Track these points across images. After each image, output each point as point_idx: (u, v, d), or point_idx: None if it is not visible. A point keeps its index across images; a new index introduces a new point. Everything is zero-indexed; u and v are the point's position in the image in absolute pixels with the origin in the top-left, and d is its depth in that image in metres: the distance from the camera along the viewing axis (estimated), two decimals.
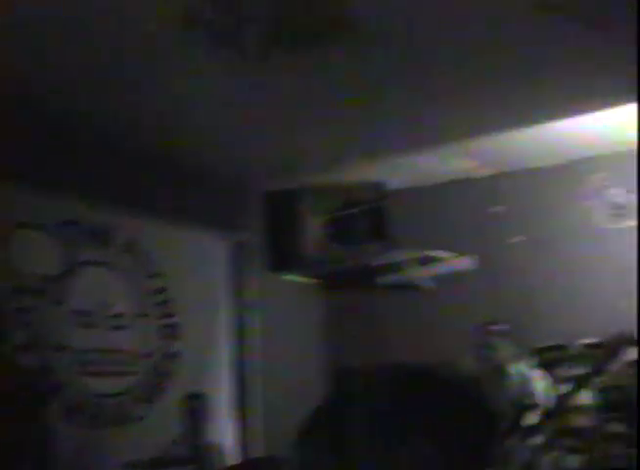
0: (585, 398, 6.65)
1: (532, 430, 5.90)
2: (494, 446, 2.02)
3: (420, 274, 8.19)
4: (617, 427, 6.69)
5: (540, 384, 6.47)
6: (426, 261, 8.15)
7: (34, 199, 6.41)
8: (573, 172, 7.86)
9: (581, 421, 6.69)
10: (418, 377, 2.10)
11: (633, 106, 6.40)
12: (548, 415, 6.04)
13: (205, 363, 7.66)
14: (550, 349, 7.36)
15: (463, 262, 8.08)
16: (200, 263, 7.74)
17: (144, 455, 5.50)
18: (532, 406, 6.12)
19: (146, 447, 5.64)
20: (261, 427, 7.96)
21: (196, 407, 6.63)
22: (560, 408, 6.21)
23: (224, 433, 7.62)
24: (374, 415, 1.96)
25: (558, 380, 6.85)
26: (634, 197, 7.39)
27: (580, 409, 6.62)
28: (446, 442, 1.94)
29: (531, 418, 6.00)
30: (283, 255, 7.70)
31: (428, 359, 6.53)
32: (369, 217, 7.82)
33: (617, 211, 7.62)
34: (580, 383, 6.19)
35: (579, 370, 6.68)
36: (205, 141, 7.09)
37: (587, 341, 7.17)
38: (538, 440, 5.98)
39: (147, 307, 7.22)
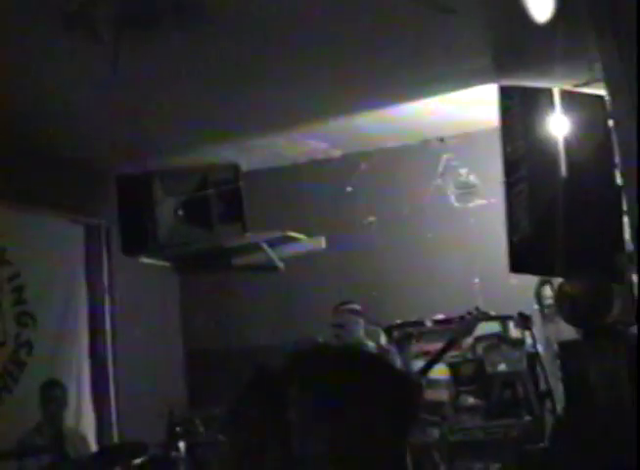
0: (439, 372, 6.82)
1: None
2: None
3: (273, 255, 8.23)
4: (471, 400, 6.90)
5: (396, 360, 6.61)
6: (279, 242, 8.19)
7: None
8: (424, 153, 8.04)
9: (437, 395, 6.86)
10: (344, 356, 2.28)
11: (480, 88, 6.60)
12: None
13: (61, 350, 7.53)
14: (403, 325, 7.52)
15: (316, 243, 8.16)
16: (53, 248, 7.59)
17: (1, 445, 5.38)
18: None
19: (2, 437, 5.52)
20: (118, 412, 7.90)
21: (52, 395, 6.53)
22: None
23: (82, 419, 7.55)
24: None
25: (411, 356, 7.03)
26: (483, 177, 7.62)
27: (435, 384, 6.79)
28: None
29: None
30: (137, 238, 7.59)
31: (286, 339, 6.68)
32: (223, 199, 7.80)
33: (466, 190, 7.84)
34: (434, 358, 6.35)
35: (432, 346, 6.86)
36: (59, 124, 6.94)
37: (439, 317, 7.36)
38: None
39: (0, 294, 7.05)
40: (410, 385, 2.29)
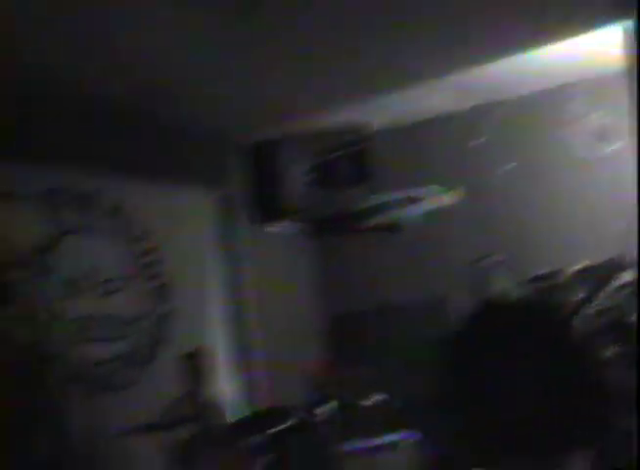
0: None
1: None
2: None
3: (407, 214, 8.14)
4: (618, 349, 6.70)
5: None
6: (412, 201, 8.08)
7: (16, 168, 6.34)
8: (556, 99, 7.77)
9: None
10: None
11: (613, 29, 6.33)
12: None
13: (200, 321, 7.65)
14: (544, 277, 7.33)
15: (449, 198, 8.02)
16: (186, 221, 7.67)
17: (144, 419, 5.49)
18: None
19: (145, 411, 5.63)
20: (261, 379, 8.01)
21: (194, 366, 6.63)
22: None
23: (226, 389, 7.64)
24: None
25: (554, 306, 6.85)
26: (617, 119, 7.32)
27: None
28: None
29: None
30: (268, 205, 7.64)
31: (421, 298, 6.61)
32: (352, 161, 7.75)
33: (601, 135, 7.56)
34: (576, 307, 6.18)
35: (574, 296, 6.68)
36: (187, 95, 7.00)
37: (580, 266, 7.15)
38: None
39: (136, 270, 7.18)
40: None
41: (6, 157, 6.14)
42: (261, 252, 8.26)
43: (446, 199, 8.00)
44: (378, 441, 6.84)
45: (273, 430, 5.54)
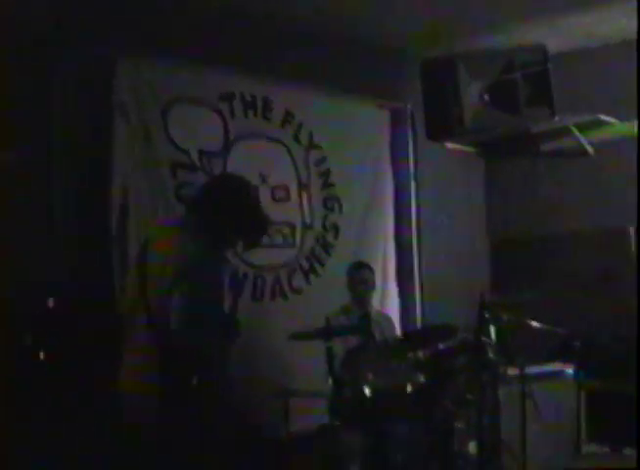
0: None
1: None
2: None
3: (583, 140, 7.89)
4: None
5: None
6: (589, 126, 7.83)
7: (191, 73, 6.39)
8: None
9: None
10: None
11: None
12: None
13: (367, 234, 7.66)
14: None
15: (628, 127, 7.73)
16: (358, 133, 7.63)
17: (307, 327, 5.52)
18: None
19: (309, 319, 5.66)
20: (423, 296, 7.99)
21: (361, 277, 6.66)
22: None
23: (387, 302, 7.68)
24: None
25: None
26: None
27: None
28: None
29: None
30: (442, 122, 7.47)
31: (592, 228, 6.40)
32: (531, 82, 7.49)
33: None
34: None
35: None
36: (363, 10, 6.91)
37: None
38: None
39: (307, 179, 7.20)
40: None
41: (180, 61, 6.20)
42: (432, 169, 8.18)
43: (625, 128, 7.72)
44: (540, 367, 6.74)
45: (440, 347, 5.49)
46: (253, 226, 4.67)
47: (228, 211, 4.50)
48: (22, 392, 5.05)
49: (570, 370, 6.78)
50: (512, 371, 6.03)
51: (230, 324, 4.46)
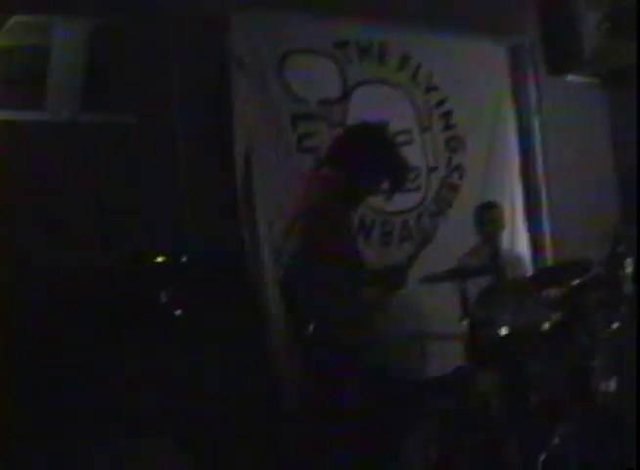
0: None
1: None
2: None
3: None
4: None
5: None
6: None
7: (304, 23, 6.38)
8: None
9: None
10: None
11: None
12: None
13: (492, 173, 7.55)
14: None
15: None
16: (477, 72, 7.50)
17: (437, 269, 5.48)
18: None
19: (439, 262, 5.62)
20: (553, 232, 7.87)
21: (489, 217, 6.58)
22: None
23: (516, 241, 7.59)
24: None
25: None
26: None
27: None
28: None
29: None
30: (562, 55, 7.33)
31: None
32: None
33: None
34: None
35: None
36: None
37: None
38: None
39: (429, 121, 7.13)
40: None
41: (292, 11, 6.19)
42: (554, 103, 7.98)
43: None
44: None
45: (574, 283, 5.39)
46: (398, 168, 4.68)
47: (372, 157, 4.50)
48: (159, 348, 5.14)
49: None
50: None
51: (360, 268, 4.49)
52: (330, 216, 4.27)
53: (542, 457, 4.56)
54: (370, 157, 4.51)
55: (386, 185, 4.73)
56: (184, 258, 5.37)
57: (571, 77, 8.00)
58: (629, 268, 5.30)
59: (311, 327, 4.12)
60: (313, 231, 4.18)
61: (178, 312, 5.17)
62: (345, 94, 6.61)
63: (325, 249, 4.18)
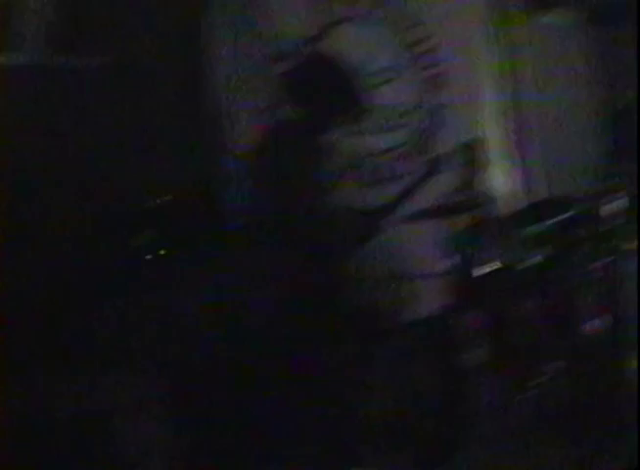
0: None
1: None
2: None
3: None
4: None
5: None
6: None
7: None
8: None
9: None
10: None
11: None
12: None
13: (475, 111, 7.43)
14: None
15: None
16: (459, 9, 7.31)
17: (421, 207, 5.45)
18: None
19: (421, 201, 5.58)
20: (539, 171, 7.79)
21: (471, 156, 6.52)
22: None
23: (503, 178, 7.53)
24: None
25: None
26: None
27: None
28: None
29: None
30: None
31: None
32: None
33: None
34: None
35: None
36: None
37: None
38: None
39: (411, 58, 7.01)
40: None
41: None
42: (537, 42, 7.85)
43: None
44: None
45: (554, 220, 5.35)
46: (353, 98, 4.65)
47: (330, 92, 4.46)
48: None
49: None
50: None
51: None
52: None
53: (520, 397, 4.55)
54: (327, 91, 4.47)
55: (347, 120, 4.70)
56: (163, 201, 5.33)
57: (551, 16, 7.90)
58: (614, 204, 5.27)
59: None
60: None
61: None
62: (322, 32, 6.50)
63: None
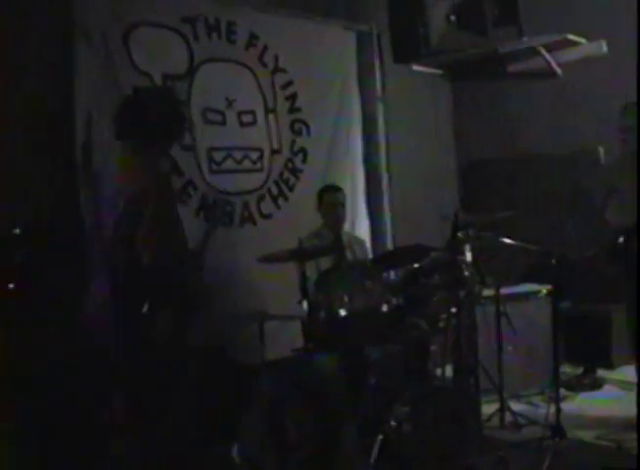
0: None
1: None
2: None
3: (551, 60, 7.81)
4: None
5: None
6: (557, 46, 7.73)
7: None
8: None
9: None
10: None
11: None
12: None
13: (335, 157, 7.59)
14: None
15: (596, 47, 7.63)
16: (324, 56, 7.52)
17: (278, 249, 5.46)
18: None
19: (279, 244, 5.58)
20: (393, 218, 7.97)
21: (330, 200, 6.52)
22: None
23: (357, 225, 7.68)
24: None
25: None
26: None
27: None
28: None
29: None
30: (408, 44, 7.38)
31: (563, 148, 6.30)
32: (497, 2, 7.40)
33: None
34: None
35: None
36: None
37: None
38: None
39: (274, 103, 7.09)
40: None
41: None
42: (399, 91, 8.11)
43: (592, 48, 7.64)
44: (515, 288, 6.78)
45: (414, 265, 5.43)
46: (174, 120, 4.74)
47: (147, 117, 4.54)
48: None
49: (544, 290, 6.78)
50: (487, 292, 6.05)
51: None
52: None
53: (379, 438, 4.58)
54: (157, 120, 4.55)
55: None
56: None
57: (416, 66, 8.10)
58: (468, 254, 5.40)
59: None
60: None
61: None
62: (191, 70, 6.49)
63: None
